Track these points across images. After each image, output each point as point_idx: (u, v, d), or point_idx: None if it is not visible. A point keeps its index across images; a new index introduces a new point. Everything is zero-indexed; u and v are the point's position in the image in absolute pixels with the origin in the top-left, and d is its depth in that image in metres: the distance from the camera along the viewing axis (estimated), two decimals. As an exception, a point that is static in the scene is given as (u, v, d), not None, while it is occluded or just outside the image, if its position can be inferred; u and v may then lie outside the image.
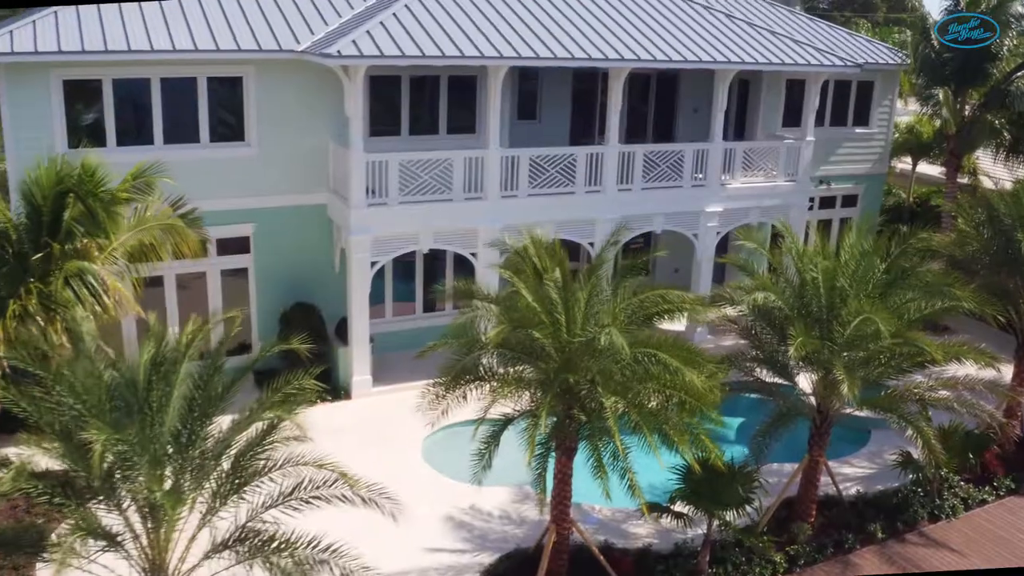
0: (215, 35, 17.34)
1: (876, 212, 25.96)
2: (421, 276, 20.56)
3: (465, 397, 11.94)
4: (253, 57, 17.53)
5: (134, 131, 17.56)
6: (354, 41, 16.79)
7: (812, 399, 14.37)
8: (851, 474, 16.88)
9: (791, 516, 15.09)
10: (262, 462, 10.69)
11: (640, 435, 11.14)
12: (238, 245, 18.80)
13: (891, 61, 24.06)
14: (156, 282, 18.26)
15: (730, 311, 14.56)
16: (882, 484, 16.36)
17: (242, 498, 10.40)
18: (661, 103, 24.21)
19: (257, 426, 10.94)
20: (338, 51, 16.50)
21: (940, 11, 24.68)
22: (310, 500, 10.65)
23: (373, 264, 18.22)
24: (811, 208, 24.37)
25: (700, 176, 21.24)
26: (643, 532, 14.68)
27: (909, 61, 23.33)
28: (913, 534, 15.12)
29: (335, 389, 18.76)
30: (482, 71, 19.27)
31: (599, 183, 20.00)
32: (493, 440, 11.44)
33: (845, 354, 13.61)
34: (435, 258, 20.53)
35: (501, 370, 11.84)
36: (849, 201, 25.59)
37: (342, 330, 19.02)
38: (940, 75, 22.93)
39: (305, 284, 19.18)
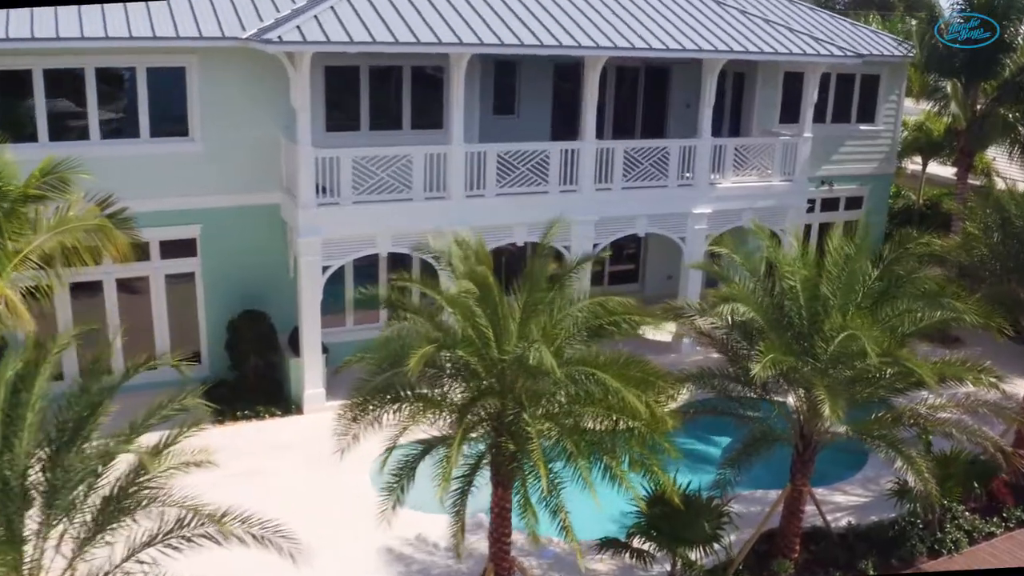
0: (153, 22, 15.90)
1: (883, 215, 24.14)
2: (385, 282, 19.02)
3: (380, 421, 10.36)
4: (195, 45, 16.06)
5: (68, 125, 16.17)
6: (298, 26, 15.28)
7: (796, 421, 12.68)
8: (843, 503, 15.11)
9: (771, 551, 13.40)
10: (140, 494, 9.22)
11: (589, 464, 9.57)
12: (183, 248, 17.34)
13: (896, 53, 22.24)
14: (94, 288, 16.90)
15: (701, 322, 12.87)
16: (877, 514, 14.59)
17: (109, 537, 8.93)
18: (651, 98, 22.56)
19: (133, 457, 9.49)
20: (279, 37, 15.01)
21: (949, 2, 22.87)
22: (192, 539, 9.17)
23: (326, 269, 16.71)
24: (811, 210, 22.60)
25: (688, 175, 19.57)
26: (603, 569, 13.00)
27: (915, 52, 21.46)
28: (910, 571, 13.39)
29: (286, 403, 17.25)
30: (447, 61, 17.73)
31: (575, 182, 18.37)
32: (406, 471, 9.86)
33: (831, 372, 11.94)
34: (401, 262, 18.99)
35: (426, 390, 10.26)
36: (854, 203, 23.78)
37: (295, 340, 17.51)
38: (949, 67, 21.09)
39: (258, 290, 17.69)
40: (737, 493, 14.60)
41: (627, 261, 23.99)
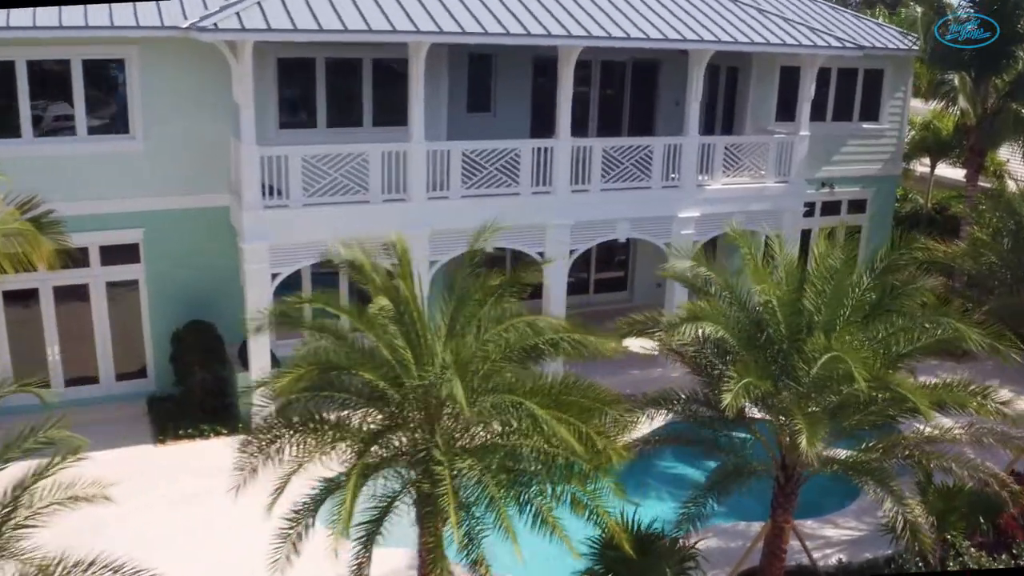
0: (87, 10, 14.57)
1: (888, 219, 22.49)
2: (346, 290, 17.59)
3: (280, 452, 8.91)
4: (132, 35, 14.70)
5: (-4, 122, 14.90)
6: (237, 13, 13.92)
7: (776, 450, 11.13)
8: (834, 537, 13.52)
9: (750, 594, 11.89)
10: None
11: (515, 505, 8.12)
12: (126, 253, 15.98)
13: (901, 46, 20.60)
14: (30, 296, 15.59)
15: (667, 339, 11.33)
16: (872, 551, 12.99)
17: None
18: (638, 95, 21.04)
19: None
20: (214, 24, 13.65)
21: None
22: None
23: (275, 276, 15.31)
24: (810, 214, 20.99)
25: (674, 176, 18.04)
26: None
27: (920, 44, 19.77)
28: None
29: (235, 421, 15.83)
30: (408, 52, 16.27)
31: (549, 183, 16.88)
32: (305, 514, 8.40)
33: (815, 397, 10.40)
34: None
35: (333, 417, 8.82)
36: (857, 207, 22.14)
37: (245, 352, 16.12)
38: (957, 60, 19.42)
39: (207, 299, 16.28)
40: (715, 525, 13.09)
41: (616, 268, 22.47)
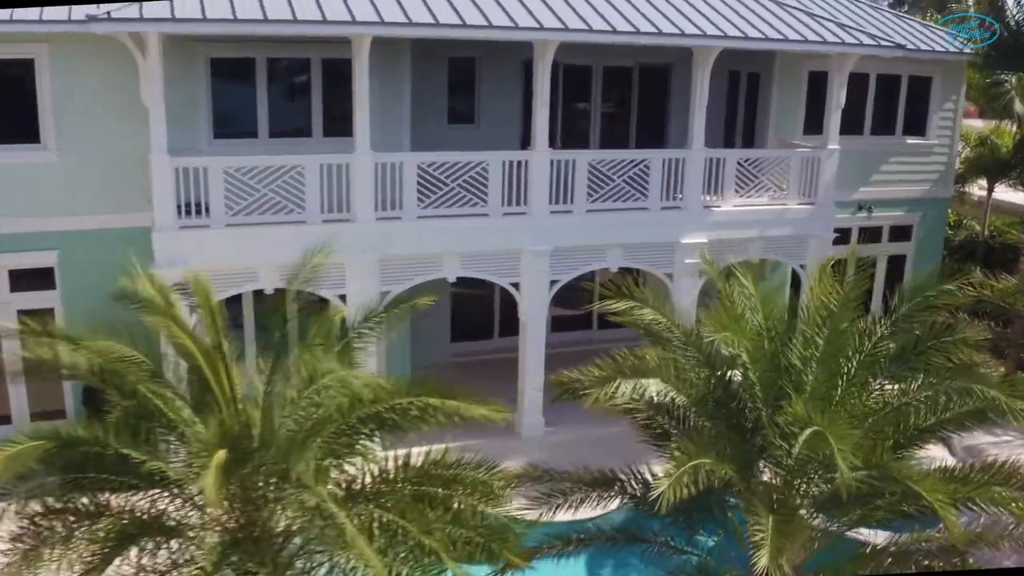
0: (-12, 1, 12.56)
1: (938, 248, 19.27)
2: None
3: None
4: (39, 31, 12.63)
5: None
6: (140, 2, 11.73)
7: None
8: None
9: None
10: None
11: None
12: (39, 278, 13.85)
13: (951, 48, 17.48)
14: (-71, 325, 13.53)
15: (604, 398, 8.55)
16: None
17: None
18: (647, 105, 18.34)
19: None
20: (108, 13, 11.46)
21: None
22: None
23: (195, 308, 12.98)
24: (844, 241, 17.97)
25: (679, 196, 15.26)
26: None
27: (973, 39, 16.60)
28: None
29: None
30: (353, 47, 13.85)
31: (523, 202, 14.28)
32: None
33: (798, 485, 7.59)
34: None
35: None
36: (900, 233, 18.96)
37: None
38: (1017, 59, 16.18)
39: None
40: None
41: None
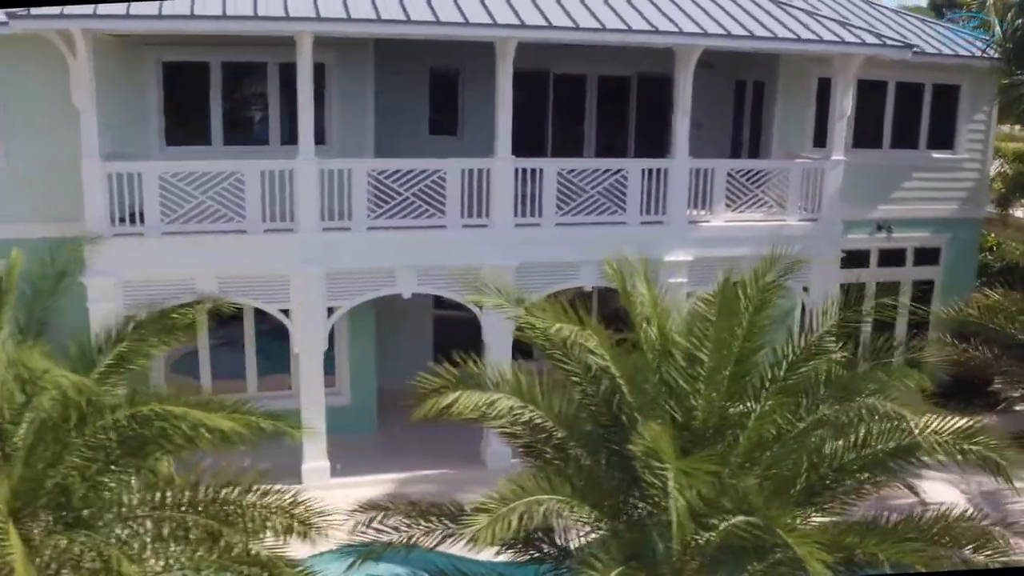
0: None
1: (970, 274, 17.32)
2: (253, 339, 14.26)
3: None
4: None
5: None
6: (66, -5, 11.06)
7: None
8: None
9: None
10: None
11: None
12: (-18, 289, 13.28)
13: (978, 53, 15.68)
14: None
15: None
16: None
17: None
18: (647, 117, 17.00)
19: None
20: (28, 10, 10.80)
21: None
22: None
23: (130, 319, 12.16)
24: (863, 264, 16.29)
25: (664, 211, 13.86)
26: None
27: (995, 39, 14.66)
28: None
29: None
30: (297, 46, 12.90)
31: (485, 213, 13.11)
32: None
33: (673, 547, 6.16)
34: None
35: None
36: (928, 257, 17.08)
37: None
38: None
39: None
40: None
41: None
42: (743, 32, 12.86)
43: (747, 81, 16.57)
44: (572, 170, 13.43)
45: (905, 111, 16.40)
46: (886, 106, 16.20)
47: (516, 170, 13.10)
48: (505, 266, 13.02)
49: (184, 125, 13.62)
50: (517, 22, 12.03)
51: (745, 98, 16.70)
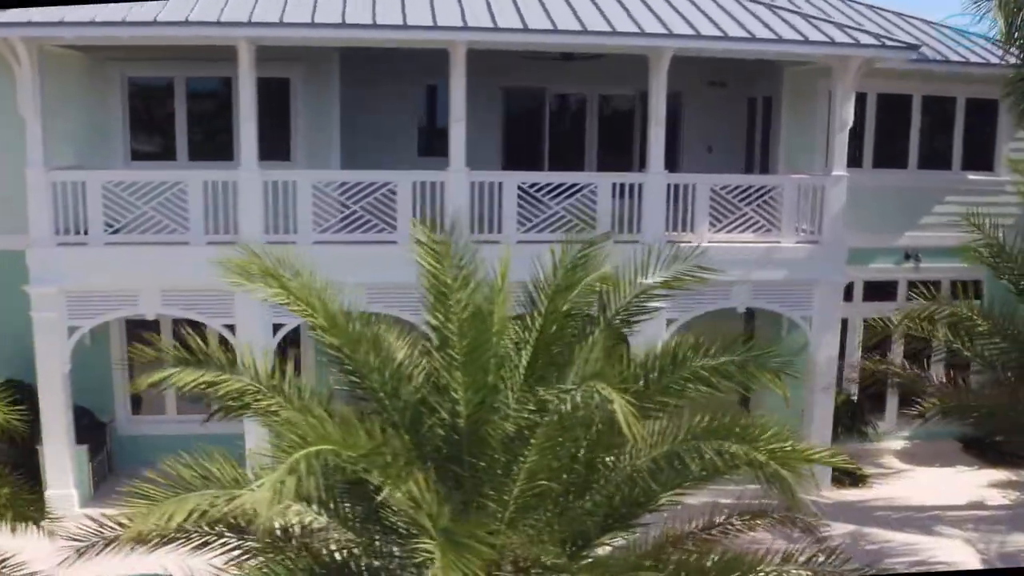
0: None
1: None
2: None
3: None
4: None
5: None
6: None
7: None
8: None
9: None
10: None
11: None
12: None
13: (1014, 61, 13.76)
14: None
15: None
16: None
17: None
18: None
19: None
20: (-37, 16, 10.77)
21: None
22: None
23: (73, 330, 11.83)
24: (890, 296, 14.47)
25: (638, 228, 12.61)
26: None
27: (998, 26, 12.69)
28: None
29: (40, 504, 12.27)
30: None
31: (438, 228, 12.19)
32: None
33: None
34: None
35: None
36: (966, 291, 14.98)
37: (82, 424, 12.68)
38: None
39: (26, 358, 13.07)
40: None
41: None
42: (715, 33, 11.62)
43: (757, 98, 15.19)
44: (535, 184, 12.40)
45: (935, 128, 14.60)
46: (911, 122, 14.45)
47: (472, 184, 12.20)
48: (459, 285, 12.06)
49: (150, 141, 13.41)
50: (460, 24, 11.21)
51: (756, 116, 15.31)
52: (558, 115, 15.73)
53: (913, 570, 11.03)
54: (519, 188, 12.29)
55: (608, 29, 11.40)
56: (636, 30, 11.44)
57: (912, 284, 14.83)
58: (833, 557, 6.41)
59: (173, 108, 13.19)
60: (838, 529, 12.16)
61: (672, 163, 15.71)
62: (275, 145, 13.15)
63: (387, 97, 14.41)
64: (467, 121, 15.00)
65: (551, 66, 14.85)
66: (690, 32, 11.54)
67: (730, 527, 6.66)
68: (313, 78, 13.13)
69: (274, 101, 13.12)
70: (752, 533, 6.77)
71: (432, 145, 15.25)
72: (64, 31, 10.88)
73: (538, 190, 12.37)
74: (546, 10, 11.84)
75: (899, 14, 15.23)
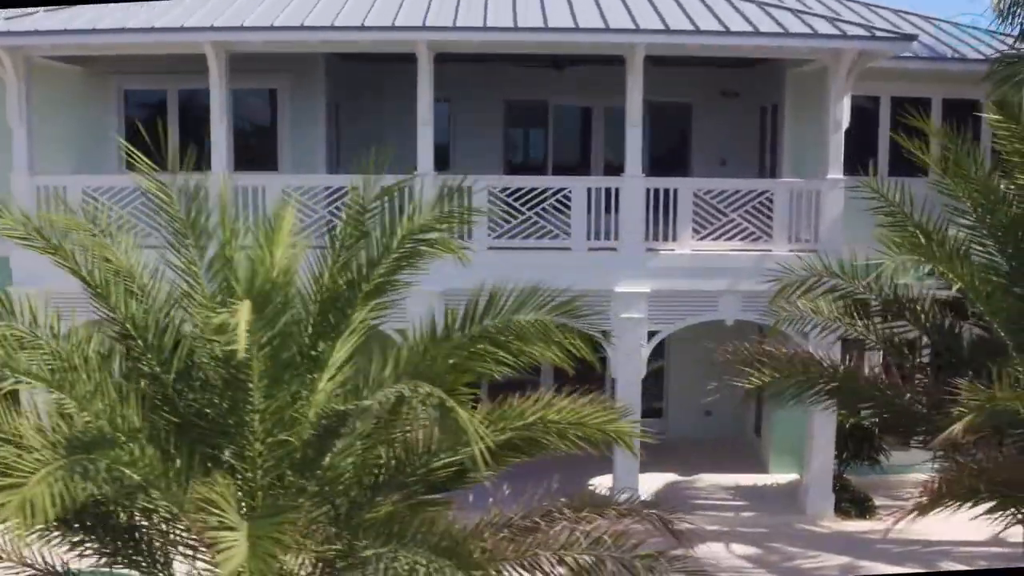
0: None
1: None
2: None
3: None
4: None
5: None
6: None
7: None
8: None
9: None
10: None
11: None
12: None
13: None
14: None
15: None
16: None
17: None
18: (663, 151, 15.17)
19: None
20: (-54, 28, 11.24)
21: None
22: None
23: (55, 333, 12.03)
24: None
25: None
26: None
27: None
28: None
29: None
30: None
31: (405, 235, 11.87)
32: None
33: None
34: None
35: None
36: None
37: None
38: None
39: None
40: None
41: (646, 383, 15.83)
42: (687, 27, 10.98)
43: (768, 106, 14.35)
44: (506, 189, 11.95)
45: (956, 132, 13.37)
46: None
47: (442, 189, 11.81)
48: (434, 292, 11.65)
49: (145, 151, 13.63)
50: (417, 24, 10.97)
51: (766, 125, 14.46)
52: (563, 128, 15.29)
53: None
54: (490, 192, 11.85)
55: (570, 26, 10.94)
56: (601, 26, 10.93)
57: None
58: (622, 541, 5.60)
59: (166, 119, 13.42)
60: (828, 561, 11.07)
61: (682, 174, 15.08)
62: (261, 154, 13.25)
63: (383, 110, 14.30)
64: (469, 134, 14.90)
65: (551, 78, 14.50)
66: (659, 27, 10.94)
67: (559, 515, 5.96)
68: (300, 88, 13.15)
69: (261, 111, 13.22)
70: (590, 525, 6.04)
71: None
72: (40, 40, 11.19)
73: (510, 195, 11.90)
74: (515, 12, 11.48)
75: (911, 13, 14.20)
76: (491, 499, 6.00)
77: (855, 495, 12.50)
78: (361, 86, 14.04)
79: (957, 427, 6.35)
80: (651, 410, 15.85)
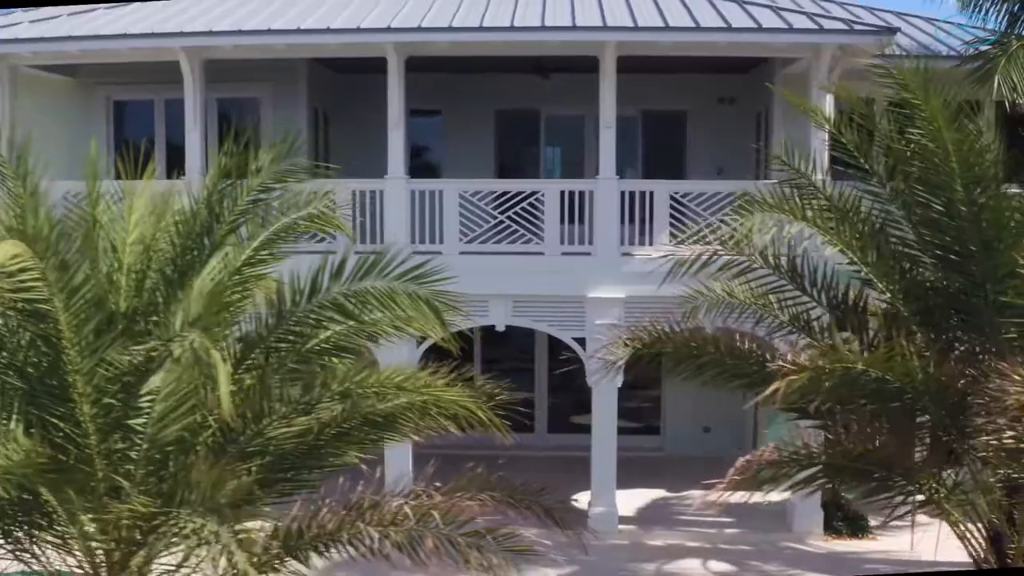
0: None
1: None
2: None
3: None
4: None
5: None
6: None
7: None
8: None
9: None
10: None
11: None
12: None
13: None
14: None
15: None
16: None
17: None
18: (658, 160, 14.77)
19: None
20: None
21: None
22: None
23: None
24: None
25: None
26: None
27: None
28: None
29: None
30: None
31: (378, 238, 11.68)
32: None
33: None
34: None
35: None
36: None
37: None
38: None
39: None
40: None
41: (643, 398, 15.33)
42: (656, 23, 10.66)
43: (762, 111, 13.92)
44: (476, 192, 11.71)
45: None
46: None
47: (414, 192, 11.66)
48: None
49: (134, 160, 13.78)
50: (384, 26, 10.86)
51: (761, 131, 14.02)
52: (556, 138, 15.05)
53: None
54: (461, 196, 11.63)
55: (536, 25, 10.72)
56: (566, 24, 10.69)
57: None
58: (449, 519, 5.22)
59: (153, 129, 13.58)
60: (805, 581, 10.46)
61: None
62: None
63: (370, 120, 14.25)
64: (461, 145, 14.75)
65: (543, 88, 14.28)
66: (628, 24, 10.65)
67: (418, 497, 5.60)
68: (281, 98, 13.17)
69: (243, 119, 13.25)
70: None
71: (422, 172, 14.93)
72: (19, 47, 11.40)
73: (481, 199, 11.67)
74: (485, 15, 11.31)
75: (913, 15, 13.65)
76: (362, 482, 5.70)
77: (848, 513, 11.83)
78: (348, 94, 14.01)
79: (778, 384, 5.81)
80: (648, 428, 15.42)
